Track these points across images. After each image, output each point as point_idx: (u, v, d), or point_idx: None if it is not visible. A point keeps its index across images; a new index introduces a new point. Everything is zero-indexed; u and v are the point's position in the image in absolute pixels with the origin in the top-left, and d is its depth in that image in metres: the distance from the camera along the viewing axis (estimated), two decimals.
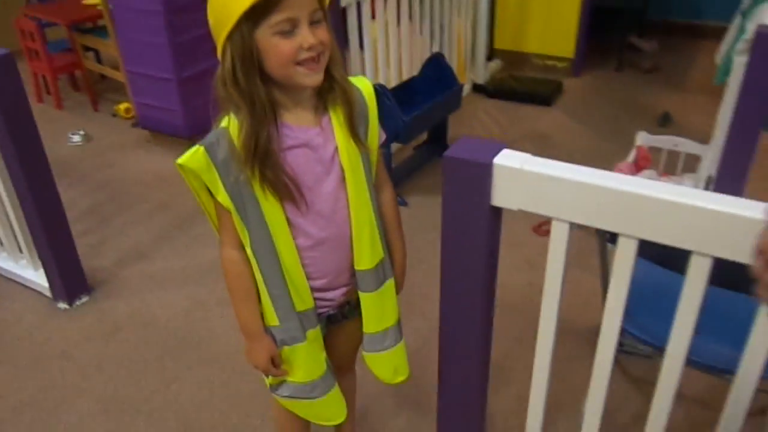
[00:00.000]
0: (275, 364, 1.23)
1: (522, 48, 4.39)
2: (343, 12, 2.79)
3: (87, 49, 4.08)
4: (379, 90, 2.66)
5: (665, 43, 4.67)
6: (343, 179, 1.15)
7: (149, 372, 2.03)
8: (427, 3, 3.41)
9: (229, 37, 1.00)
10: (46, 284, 2.35)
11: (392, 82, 3.18)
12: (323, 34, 1.02)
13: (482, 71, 4.10)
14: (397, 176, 2.92)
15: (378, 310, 1.27)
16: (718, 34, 2.69)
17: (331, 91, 1.11)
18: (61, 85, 4.29)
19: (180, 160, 1.07)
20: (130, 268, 2.55)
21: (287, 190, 1.09)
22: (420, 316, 2.06)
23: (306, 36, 1.00)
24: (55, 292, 2.33)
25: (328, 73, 1.08)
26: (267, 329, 1.22)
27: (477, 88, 4.06)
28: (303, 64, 1.02)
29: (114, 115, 3.97)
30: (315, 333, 1.23)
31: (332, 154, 1.13)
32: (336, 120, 1.12)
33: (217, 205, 1.13)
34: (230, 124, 1.06)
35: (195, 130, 3.36)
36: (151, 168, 3.34)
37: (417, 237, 2.19)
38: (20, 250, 2.44)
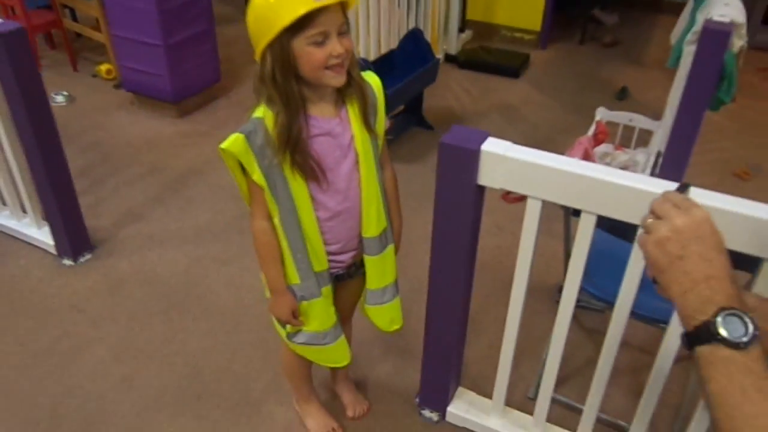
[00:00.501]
0: (294, 315, 1.46)
1: (492, 20, 4.58)
2: None
3: (64, 7, 4.10)
4: (363, 64, 2.84)
5: (626, 16, 4.93)
6: (357, 161, 1.37)
7: (156, 323, 2.24)
8: None
9: (270, 45, 1.19)
10: (50, 242, 2.50)
11: (372, 55, 3.36)
12: (348, 43, 1.23)
13: (454, 42, 4.29)
14: None
15: (380, 270, 1.51)
16: (677, 10, 2.93)
17: (348, 87, 1.32)
18: (39, 42, 4.30)
19: (223, 145, 1.27)
20: (128, 228, 2.71)
21: (313, 172, 1.31)
22: (401, 274, 2.30)
23: (335, 46, 1.20)
24: (61, 249, 2.49)
25: (347, 73, 1.29)
26: (289, 287, 1.44)
27: (449, 59, 4.25)
28: (331, 68, 1.23)
29: (94, 76, 4.03)
30: (328, 290, 1.47)
31: (349, 140, 1.35)
32: (352, 112, 1.34)
33: (251, 183, 1.33)
34: (265, 115, 1.27)
35: (181, 95, 3.48)
36: (139, 131, 3.46)
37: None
38: (23, 210, 2.58)
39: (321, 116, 1.31)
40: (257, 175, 1.30)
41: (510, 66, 4.14)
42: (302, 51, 1.20)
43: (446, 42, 4.30)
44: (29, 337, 2.18)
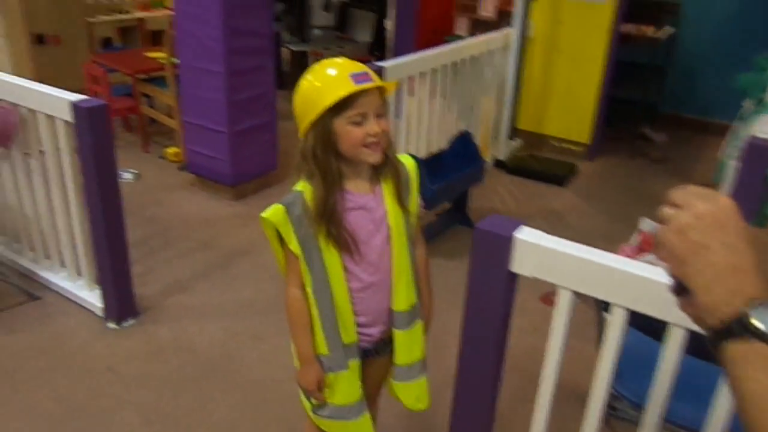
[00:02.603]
0: (320, 387, 1.48)
1: (542, 130, 4.74)
2: None
3: (143, 95, 4.47)
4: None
5: (675, 135, 5.02)
6: (389, 236, 1.44)
7: (187, 391, 2.27)
8: (458, 84, 3.77)
9: (313, 123, 1.31)
10: (99, 305, 2.61)
11: (422, 153, 3.51)
12: (384, 124, 1.34)
13: (504, 148, 4.43)
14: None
15: (408, 345, 1.53)
16: (723, 131, 3.00)
17: (384, 166, 1.41)
18: (116, 125, 4.67)
19: (264, 214, 1.36)
20: (173, 298, 2.81)
21: (346, 243, 1.38)
22: (431, 362, 2.29)
23: (373, 126, 1.31)
24: (108, 312, 2.59)
25: (383, 153, 1.39)
26: (317, 357, 1.48)
27: (498, 164, 4.39)
28: (368, 146, 1.33)
29: (162, 158, 4.32)
30: (355, 363, 1.49)
31: (382, 215, 1.43)
32: (386, 189, 1.43)
33: (288, 252, 1.41)
34: (305, 188, 1.37)
35: (239, 179, 3.68)
36: (196, 209, 3.65)
37: (435, 295, 2.45)
38: (78, 273, 2.72)
39: (357, 191, 1.40)
40: (294, 245, 1.38)
41: (557, 174, 4.23)
42: (342, 130, 1.31)
43: (496, 147, 4.45)
44: (65, 393, 2.24)
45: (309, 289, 1.43)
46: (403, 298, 1.48)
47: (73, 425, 2.10)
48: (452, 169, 3.27)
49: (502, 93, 4.31)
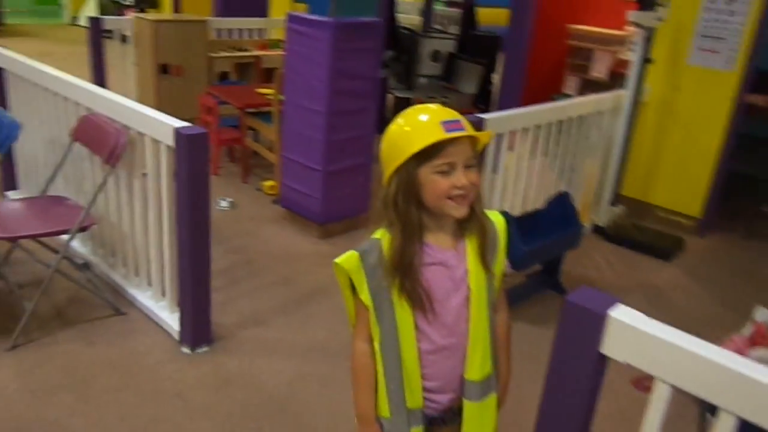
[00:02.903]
0: None
1: (648, 199, 4.45)
2: None
3: (248, 128, 4.64)
4: (506, 217, 2.85)
5: None
6: (468, 298, 1.32)
7: (248, 429, 2.21)
8: (562, 143, 3.62)
9: (398, 170, 1.24)
10: (177, 327, 2.64)
11: (517, 211, 3.37)
12: (474, 177, 1.25)
13: (605, 214, 4.19)
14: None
15: (478, 419, 1.39)
16: None
17: (469, 221, 1.31)
18: (221, 154, 4.86)
19: (337, 260, 1.29)
20: (248, 330, 2.80)
21: (420, 300, 1.28)
22: None
23: (460, 177, 1.22)
24: (184, 336, 2.61)
25: (470, 207, 1.29)
26: (377, 419, 1.37)
27: (597, 230, 4.15)
28: (453, 198, 1.24)
29: (258, 190, 4.43)
30: (418, 431, 1.37)
31: (463, 274, 1.32)
32: (470, 246, 1.32)
33: (358, 302, 1.33)
34: (383, 236, 1.29)
35: (328, 218, 3.68)
36: (282, 244, 3.67)
37: (515, 363, 2.28)
38: (163, 294, 2.77)
39: (437, 246, 1.30)
40: (365, 295, 1.30)
41: (662, 247, 3.94)
42: (427, 179, 1.23)
43: (596, 213, 4.22)
44: (130, 412, 2.25)
45: (377, 344, 1.34)
46: (477, 367, 1.36)
47: None
48: (547, 230, 3.10)
49: (608, 156, 4.10)
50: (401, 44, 5.86)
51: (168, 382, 2.42)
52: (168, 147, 2.40)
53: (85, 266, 3.08)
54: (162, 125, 2.37)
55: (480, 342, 1.35)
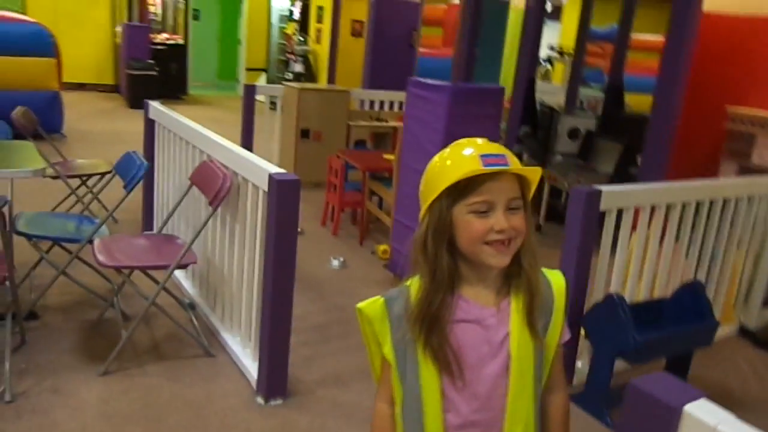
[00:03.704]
0: None
1: None
2: (602, 216, 2.78)
3: (372, 193, 4.68)
4: (616, 301, 2.54)
5: None
6: (508, 367, 1.12)
7: None
8: (699, 229, 3.21)
9: (431, 207, 1.09)
10: (255, 376, 2.60)
11: (638, 297, 3.00)
12: (518, 221, 1.07)
13: (755, 315, 3.61)
14: (615, 396, 2.66)
15: None
16: None
17: (517, 276, 1.12)
18: (343, 216, 4.94)
19: (360, 305, 1.16)
20: (327, 389, 2.69)
21: (447, 362, 1.10)
22: None
23: (499, 219, 1.05)
24: (260, 386, 2.56)
25: (517, 259, 1.10)
26: None
27: (744, 333, 3.57)
28: (491, 244, 1.06)
29: (372, 253, 4.40)
30: None
31: (503, 338, 1.12)
32: (516, 306, 1.12)
33: (382, 357, 1.18)
34: (413, 284, 1.14)
35: None
36: None
37: None
38: (250, 339, 2.77)
39: (474, 300, 1.13)
40: (387, 348, 1.15)
41: None
42: (461, 219, 1.08)
43: (745, 313, 3.65)
44: None
45: (398, 408, 1.17)
46: None
47: None
48: (671, 322, 2.71)
49: (763, 249, 3.57)
50: (539, 120, 5.71)
51: (233, 430, 2.36)
52: (264, 192, 2.44)
53: (191, 306, 3.19)
54: (259, 170, 2.43)
55: (520, 422, 1.13)
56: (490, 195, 1.06)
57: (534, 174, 1.11)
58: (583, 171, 5.19)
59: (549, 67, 11.31)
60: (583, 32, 6.47)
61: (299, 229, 4.66)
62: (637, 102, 6.40)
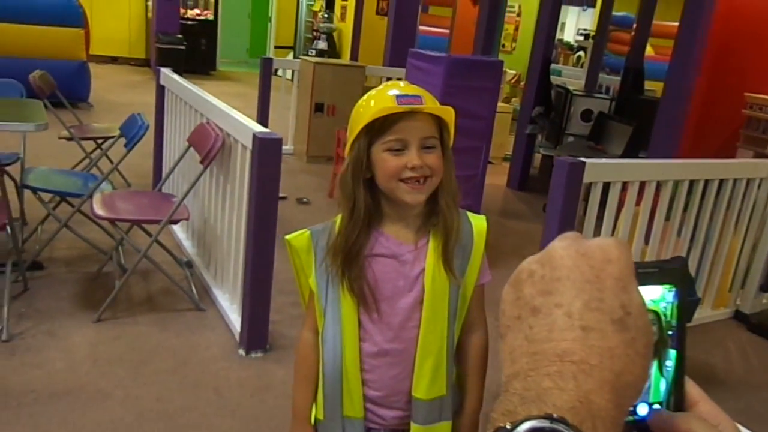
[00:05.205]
0: None
1: None
2: (588, 188, 2.78)
3: None
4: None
5: None
6: (422, 301, 1.17)
7: None
8: (693, 209, 3.18)
9: (352, 146, 1.15)
10: (239, 330, 2.70)
11: None
12: (432, 159, 1.11)
13: (751, 300, 3.58)
14: None
15: None
16: None
17: (436, 216, 1.17)
18: None
19: (288, 237, 1.22)
20: None
21: (363, 293, 1.16)
22: None
23: (412, 157, 1.10)
24: (241, 339, 2.66)
25: (436, 199, 1.15)
26: (316, 422, 1.25)
27: (739, 316, 3.55)
28: (406, 182, 1.11)
29: None
30: None
31: (418, 273, 1.17)
32: (434, 244, 1.17)
33: (309, 288, 1.24)
34: (338, 219, 1.20)
35: None
36: None
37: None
38: (236, 294, 2.86)
39: (395, 237, 1.18)
40: (312, 279, 1.21)
41: None
42: (378, 156, 1.13)
43: (742, 297, 3.62)
44: (167, 396, 2.31)
45: (320, 337, 1.24)
46: (425, 384, 1.19)
47: (155, 427, 2.15)
48: None
49: (761, 234, 3.53)
50: (553, 101, 5.68)
51: (211, 377, 2.46)
52: (249, 150, 2.51)
53: (188, 264, 3.30)
54: (246, 129, 2.50)
55: (432, 355, 1.18)
56: (404, 133, 1.11)
57: (448, 115, 1.16)
58: (593, 153, 5.16)
59: (581, 53, 11.13)
60: (605, 16, 6.39)
61: (305, 199, 4.77)
62: (661, 89, 6.30)
